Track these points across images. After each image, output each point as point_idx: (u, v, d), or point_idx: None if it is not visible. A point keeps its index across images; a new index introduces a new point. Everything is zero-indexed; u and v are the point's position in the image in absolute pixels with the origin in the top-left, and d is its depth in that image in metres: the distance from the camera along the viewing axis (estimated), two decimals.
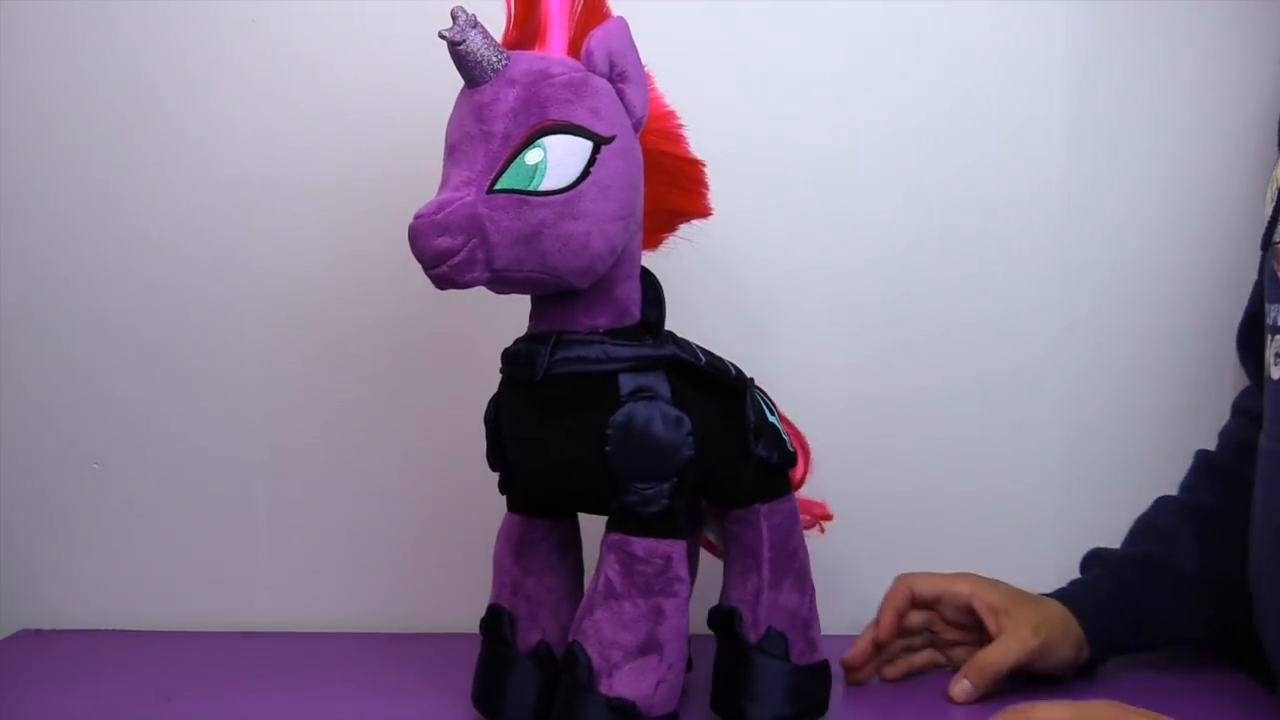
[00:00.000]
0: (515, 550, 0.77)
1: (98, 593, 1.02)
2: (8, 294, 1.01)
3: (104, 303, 1.01)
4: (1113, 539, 0.99)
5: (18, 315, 1.01)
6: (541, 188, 0.66)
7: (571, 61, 0.69)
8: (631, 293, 0.73)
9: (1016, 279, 0.98)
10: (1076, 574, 0.97)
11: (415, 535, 1.01)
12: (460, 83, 0.69)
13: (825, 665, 0.80)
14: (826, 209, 0.98)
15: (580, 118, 0.67)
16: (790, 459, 0.79)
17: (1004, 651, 0.81)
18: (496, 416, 0.76)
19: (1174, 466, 0.99)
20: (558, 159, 0.66)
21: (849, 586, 0.99)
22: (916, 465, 1.00)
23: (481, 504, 0.83)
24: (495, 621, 0.78)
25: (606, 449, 0.69)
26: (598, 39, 0.69)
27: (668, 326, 0.75)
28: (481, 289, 0.68)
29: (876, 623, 0.86)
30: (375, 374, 1.00)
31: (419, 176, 0.99)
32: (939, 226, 0.98)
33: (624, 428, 0.69)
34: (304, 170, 0.99)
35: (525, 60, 0.68)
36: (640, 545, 0.70)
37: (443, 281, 0.66)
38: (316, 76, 0.98)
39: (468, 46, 0.66)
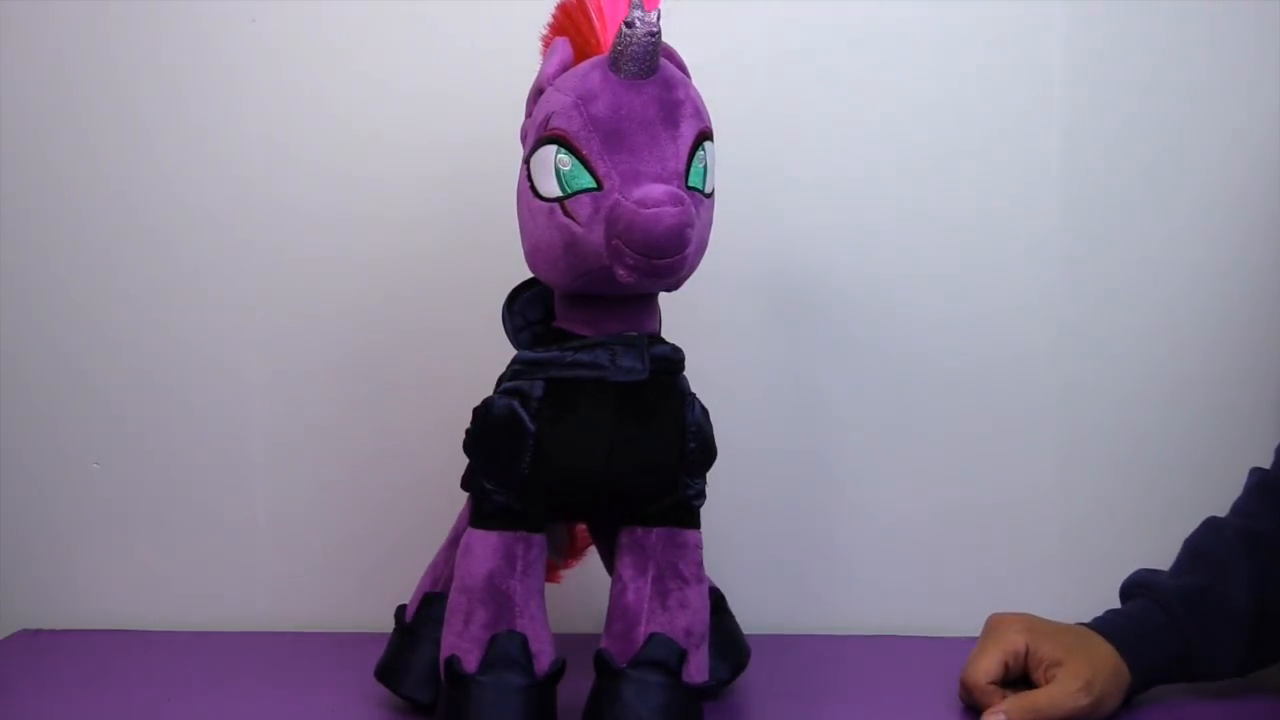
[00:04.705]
0: (521, 573, 0.71)
1: (98, 593, 1.02)
2: (7, 294, 1.01)
3: (103, 302, 1.01)
4: (1107, 542, 0.99)
5: (18, 315, 1.01)
6: (705, 190, 0.66)
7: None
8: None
9: (1016, 279, 0.98)
10: (1071, 576, 0.97)
11: (416, 536, 1.01)
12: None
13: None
14: (826, 209, 0.98)
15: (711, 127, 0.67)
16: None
17: (1052, 699, 0.76)
18: (521, 422, 0.69)
19: (1168, 467, 0.99)
20: (710, 164, 0.67)
21: (852, 585, 1.00)
22: (916, 464, 1.00)
23: None
24: (509, 649, 0.70)
25: (691, 445, 0.70)
26: (671, 52, 0.69)
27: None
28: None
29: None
30: (376, 373, 1.00)
31: (419, 177, 0.99)
32: (938, 227, 0.98)
33: (700, 425, 0.71)
34: (304, 172, 0.99)
35: (663, 63, 0.67)
36: (690, 536, 0.72)
37: (657, 276, 0.63)
38: (316, 78, 0.98)
39: (660, 38, 0.64)
